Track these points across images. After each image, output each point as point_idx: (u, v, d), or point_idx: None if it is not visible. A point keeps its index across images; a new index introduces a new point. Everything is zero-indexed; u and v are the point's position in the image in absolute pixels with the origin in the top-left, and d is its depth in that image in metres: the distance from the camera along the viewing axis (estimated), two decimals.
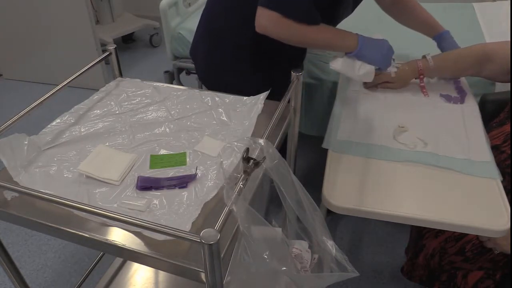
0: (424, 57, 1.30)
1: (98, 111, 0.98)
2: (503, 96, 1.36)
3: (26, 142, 0.83)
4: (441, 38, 1.36)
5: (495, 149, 1.10)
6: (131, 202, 0.72)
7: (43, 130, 0.90)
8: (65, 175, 0.80)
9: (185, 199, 0.74)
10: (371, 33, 1.23)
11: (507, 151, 1.11)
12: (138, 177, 0.78)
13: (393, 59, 1.36)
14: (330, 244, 0.74)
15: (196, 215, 0.68)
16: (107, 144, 0.87)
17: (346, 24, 1.24)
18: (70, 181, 0.78)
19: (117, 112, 0.98)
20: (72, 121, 0.94)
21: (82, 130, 0.92)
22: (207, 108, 0.99)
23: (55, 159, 0.84)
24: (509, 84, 1.25)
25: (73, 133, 0.91)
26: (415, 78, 1.31)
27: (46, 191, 0.67)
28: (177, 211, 0.71)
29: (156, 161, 0.83)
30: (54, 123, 0.93)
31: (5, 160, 0.78)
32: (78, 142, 0.88)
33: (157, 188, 0.76)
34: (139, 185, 0.76)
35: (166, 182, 0.77)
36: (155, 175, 0.79)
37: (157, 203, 0.73)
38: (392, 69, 1.28)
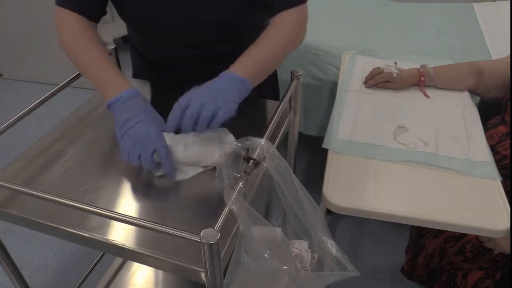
0: (422, 66, 1.32)
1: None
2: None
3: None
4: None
5: (490, 150, 1.10)
6: None
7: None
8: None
9: None
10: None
11: (501, 151, 1.12)
12: None
13: (395, 62, 1.37)
14: (330, 244, 0.74)
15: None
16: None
17: (346, 23, 1.24)
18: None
19: None
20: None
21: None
22: None
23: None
24: None
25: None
26: (416, 84, 1.32)
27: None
28: None
29: None
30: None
31: None
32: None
33: None
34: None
35: None
36: None
37: None
38: (394, 70, 1.30)
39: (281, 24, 0.86)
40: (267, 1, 0.87)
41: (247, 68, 0.78)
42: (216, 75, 0.78)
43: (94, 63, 0.82)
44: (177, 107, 0.74)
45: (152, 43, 0.98)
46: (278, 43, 0.85)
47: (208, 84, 0.76)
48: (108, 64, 0.82)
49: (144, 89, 0.96)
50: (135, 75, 1.12)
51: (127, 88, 0.78)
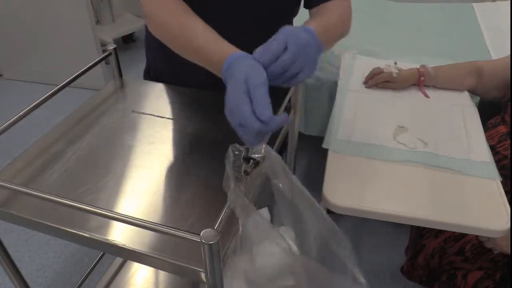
0: (422, 66, 1.32)
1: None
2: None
3: None
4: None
5: (490, 150, 1.10)
6: None
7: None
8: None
9: None
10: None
11: (501, 151, 1.12)
12: None
13: (395, 62, 1.37)
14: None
15: None
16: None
17: None
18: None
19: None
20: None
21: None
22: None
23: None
24: None
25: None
26: (416, 84, 1.32)
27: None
28: None
29: None
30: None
31: None
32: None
33: None
34: None
35: None
36: None
37: None
38: (394, 70, 1.30)
39: (330, 11, 0.85)
40: None
41: (318, 32, 0.74)
42: None
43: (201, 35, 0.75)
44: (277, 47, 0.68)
45: None
46: (336, 20, 0.85)
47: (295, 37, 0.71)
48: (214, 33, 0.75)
49: None
50: (150, 76, 1.09)
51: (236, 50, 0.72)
